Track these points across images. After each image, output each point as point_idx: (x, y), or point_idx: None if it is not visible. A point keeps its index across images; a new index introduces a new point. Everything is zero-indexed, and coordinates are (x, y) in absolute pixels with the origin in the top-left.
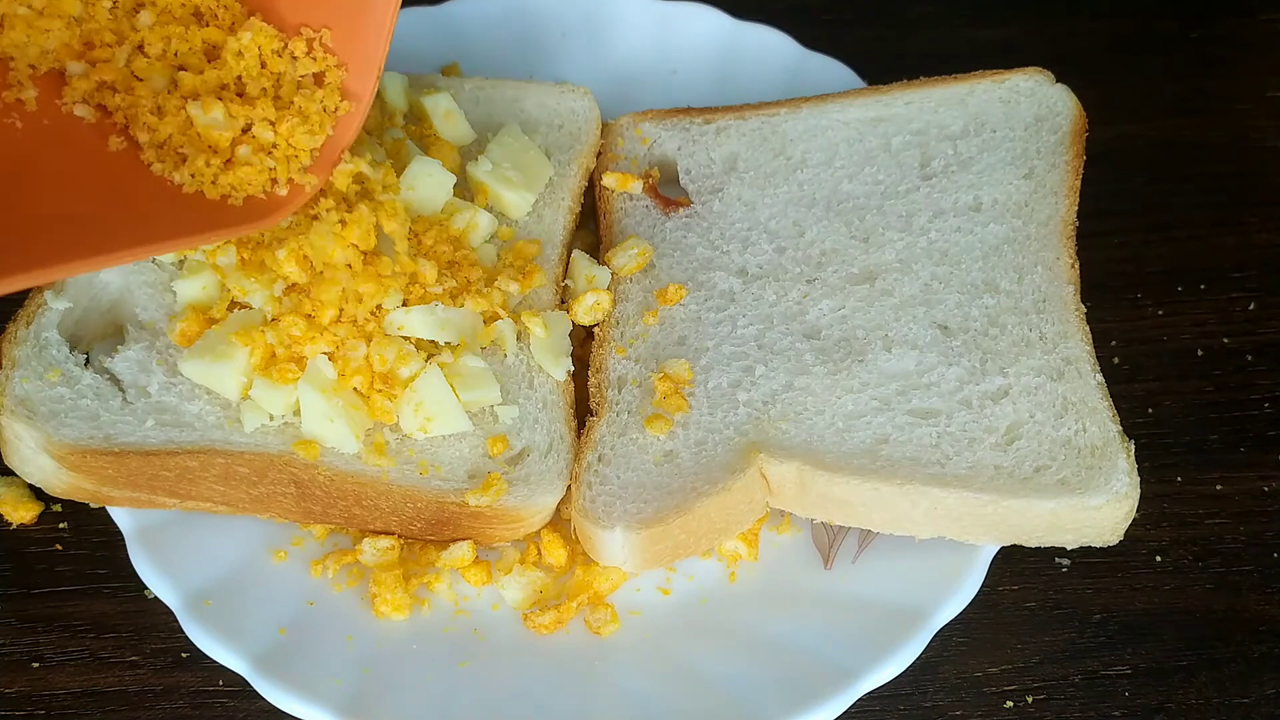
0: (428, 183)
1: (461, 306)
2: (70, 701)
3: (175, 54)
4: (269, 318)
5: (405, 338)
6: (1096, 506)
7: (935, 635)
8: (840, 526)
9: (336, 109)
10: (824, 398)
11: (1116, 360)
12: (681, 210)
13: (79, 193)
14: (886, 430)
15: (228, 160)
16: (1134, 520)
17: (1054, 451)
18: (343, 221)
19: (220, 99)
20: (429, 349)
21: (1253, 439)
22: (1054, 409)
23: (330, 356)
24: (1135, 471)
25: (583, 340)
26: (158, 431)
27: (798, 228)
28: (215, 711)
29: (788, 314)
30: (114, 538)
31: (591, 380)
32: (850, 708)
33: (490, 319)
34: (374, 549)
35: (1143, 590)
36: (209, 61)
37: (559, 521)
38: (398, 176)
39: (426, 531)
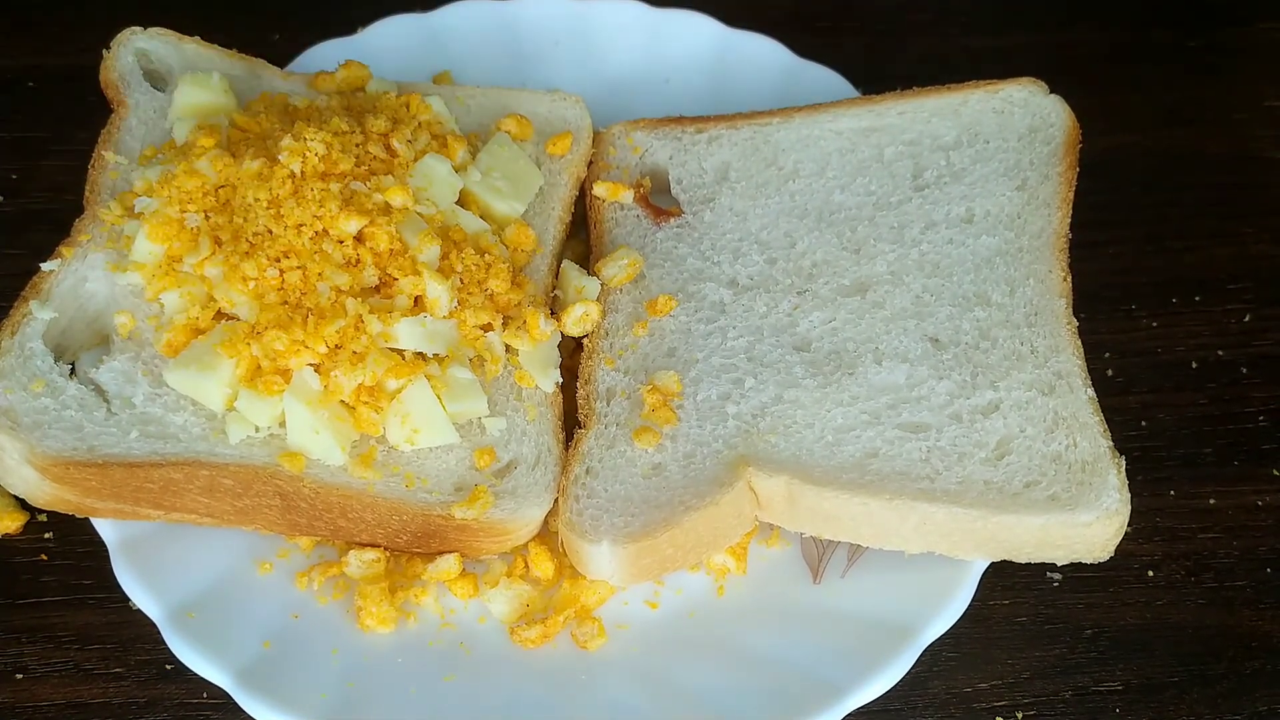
0: (439, 183)
1: (453, 319)
2: (54, 713)
3: None
4: (255, 329)
5: (393, 349)
6: (1087, 523)
7: (925, 650)
8: (829, 541)
9: None
10: (813, 411)
11: (1110, 372)
12: (672, 220)
13: None
14: (876, 444)
15: None
16: (1126, 534)
17: (1044, 467)
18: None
19: None
20: (416, 362)
21: (1247, 452)
22: (1045, 424)
23: (316, 368)
24: (1126, 488)
25: (572, 351)
26: (142, 443)
27: (789, 238)
28: None
29: (778, 326)
30: (99, 548)
31: (580, 392)
32: None
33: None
34: (360, 561)
35: (1135, 605)
36: None
37: (546, 534)
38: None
39: (413, 544)
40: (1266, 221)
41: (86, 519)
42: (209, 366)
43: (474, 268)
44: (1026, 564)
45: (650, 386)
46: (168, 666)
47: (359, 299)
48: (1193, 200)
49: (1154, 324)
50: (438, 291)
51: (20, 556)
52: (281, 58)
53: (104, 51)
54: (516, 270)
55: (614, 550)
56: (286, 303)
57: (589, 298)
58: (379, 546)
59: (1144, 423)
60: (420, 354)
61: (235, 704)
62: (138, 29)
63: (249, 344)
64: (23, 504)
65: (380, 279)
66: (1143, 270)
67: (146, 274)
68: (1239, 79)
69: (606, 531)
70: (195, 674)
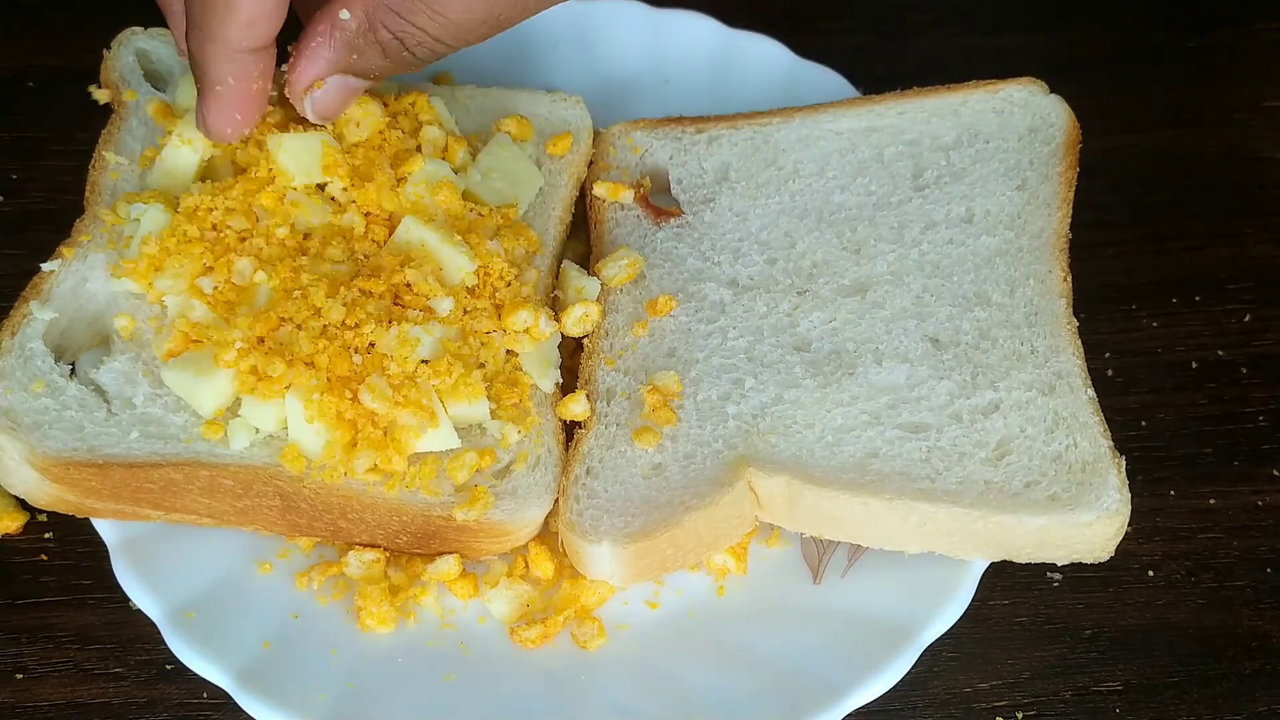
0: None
1: (457, 325)
2: (54, 713)
3: None
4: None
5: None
6: (1087, 523)
7: (925, 650)
8: (829, 541)
9: None
10: (814, 411)
11: (1110, 372)
12: (672, 220)
13: None
14: (876, 444)
15: None
16: (1126, 534)
17: (1044, 467)
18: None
19: None
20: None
21: (1247, 452)
22: (1045, 424)
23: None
24: (1126, 488)
25: (572, 352)
26: (142, 443)
27: (789, 239)
28: None
29: (778, 326)
30: (99, 548)
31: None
32: None
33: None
34: (360, 561)
35: (1135, 605)
36: None
37: (546, 534)
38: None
39: (413, 545)
40: (1266, 222)
41: (86, 519)
42: (206, 372)
43: (500, 276)
44: (1026, 564)
45: (650, 387)
46: (168, 666)
47: (381, 324)
48: (1193, 200)
49: (1154, 324)
50: (449, 304)
51: (20, 557)
52: (281, 57)
53: (104, 51)
54: (519, 272)
55: (614, 550)
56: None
57: (589, 298)
58: (379, 547)
59: (1144, 423)
60: (423, 360)
61: (235, 704)
62: (138, 29)
63: (248, 354)
64: (23, 504)
65: (412, 303)
66: (1143, 270)
67: (143, 283)
68: (1239, 79)
69: (606, 532)
70: (195, 674)
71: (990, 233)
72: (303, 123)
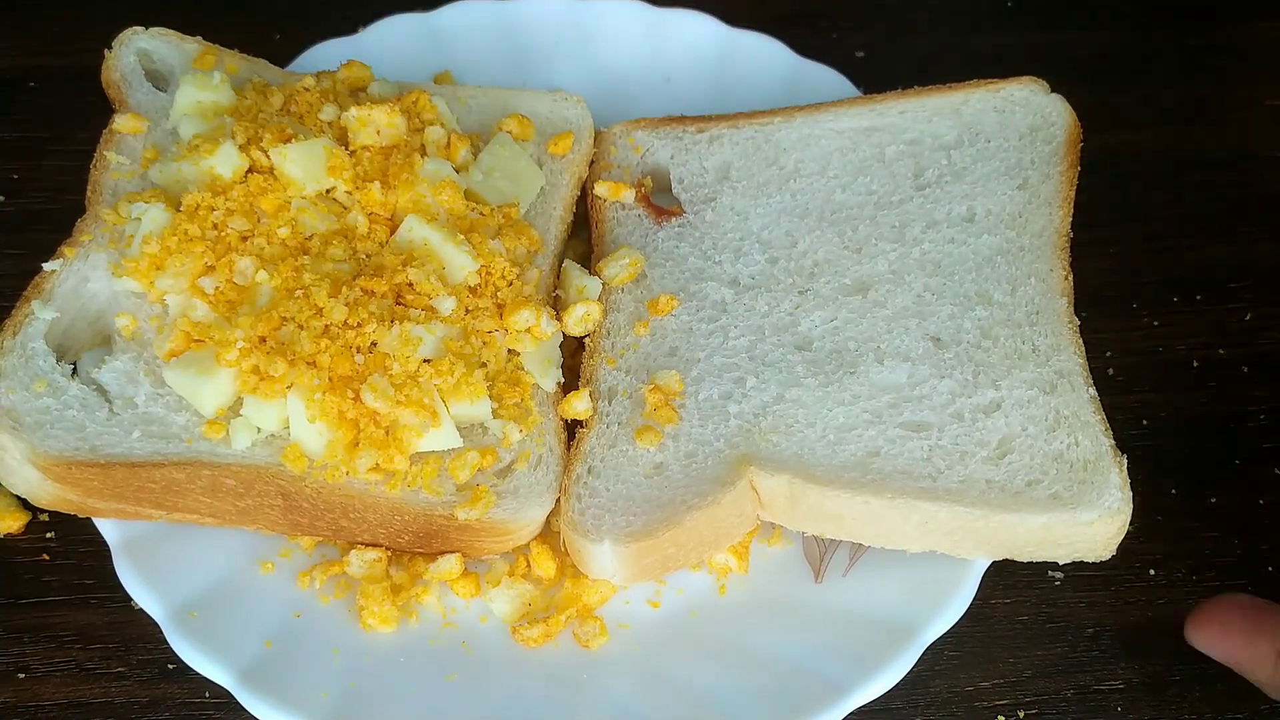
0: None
1: (459, 325)
2: (56, 713)
3: None
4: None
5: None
6: (1088, 522)
7: (926, 649)
8: (831, 540)
9: None
10: (815, 410)
11: (1111, 371)
12: (674, 220)
13: None
14: (878, 443)
15: None
16: (1128, 533)
17: (1046, 466)
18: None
19: None
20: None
21: (1248, 451)
22: (1046, 423)
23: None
24: (1128, 486)
25: (574, 351)
26: (144, 443)
27: (790, 238)
28: None
29: (779, 325)
30: (101, 548)
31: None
32: None
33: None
34: (361, 561)
35: (1136, 604)
36: None
37: (548, 533)
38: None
39: (415, 544)
40: (1267, 221)
41: (88, 519)
42: (207, 372)
43: (501, 275)
44: (1028, 563)
45: (652, 386)
46: (170, 666)
47: (383, 324)
48: (1193, 200)
49: (1155, 323)
50: (451, 303)
51: (22, 556)
52: (282, 58)
53: (105, 52)
54: (521, 271)
55: (616, 549)
56: (302, 327)
57: (590, 297)
58: (381, 546)
59: (1145, 421)
60: (425, 359)
61: (237, 703)
62: (139, 29)
63: (249, 353)
64: (25, 504)
65: (407, 299)
66: (1144, 269)
67: (144, 282)
68: (1240, 78)
69: (608, 531)
70: (197, 673)
71: (991, 232)
72: (301, 131)
